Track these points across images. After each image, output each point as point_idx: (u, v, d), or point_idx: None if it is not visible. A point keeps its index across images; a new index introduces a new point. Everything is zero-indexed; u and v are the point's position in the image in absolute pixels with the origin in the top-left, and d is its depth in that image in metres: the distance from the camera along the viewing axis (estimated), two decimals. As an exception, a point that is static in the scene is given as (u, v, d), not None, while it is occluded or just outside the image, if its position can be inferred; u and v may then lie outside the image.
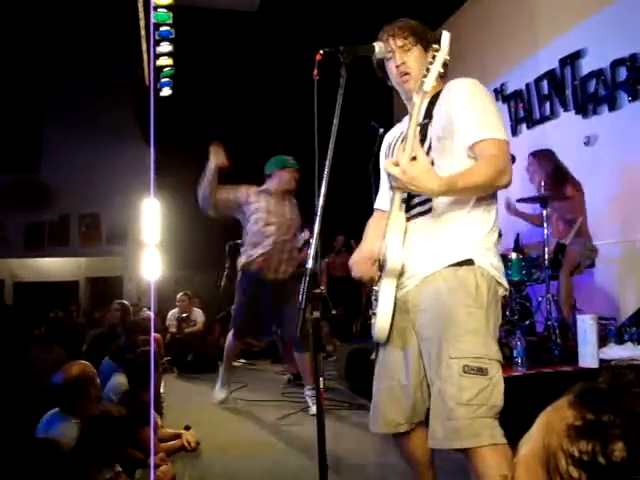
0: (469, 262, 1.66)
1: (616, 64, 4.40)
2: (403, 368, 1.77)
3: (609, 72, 4.48)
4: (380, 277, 1.74)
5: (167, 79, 6.31)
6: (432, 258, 1.69)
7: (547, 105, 5.25)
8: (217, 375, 4.47)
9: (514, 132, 5.64)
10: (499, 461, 1.50)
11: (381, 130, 3.50)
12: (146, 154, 3.45)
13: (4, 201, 9.52)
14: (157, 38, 5.69)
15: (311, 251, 1.53)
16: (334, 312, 6.16)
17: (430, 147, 1.71)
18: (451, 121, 1.68)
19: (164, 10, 5.43)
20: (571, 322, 3.78)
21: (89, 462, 1.99)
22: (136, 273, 8.90)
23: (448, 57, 1.59)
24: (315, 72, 1.64)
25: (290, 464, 2.94)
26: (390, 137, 2.00)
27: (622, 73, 4.37)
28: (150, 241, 3.10)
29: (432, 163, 1.63)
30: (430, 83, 1.59)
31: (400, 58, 1.81)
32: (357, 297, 6.44)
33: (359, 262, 1.87)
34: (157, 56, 5.92)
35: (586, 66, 4.74)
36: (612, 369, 0.57)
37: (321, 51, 1.64)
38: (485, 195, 1.70)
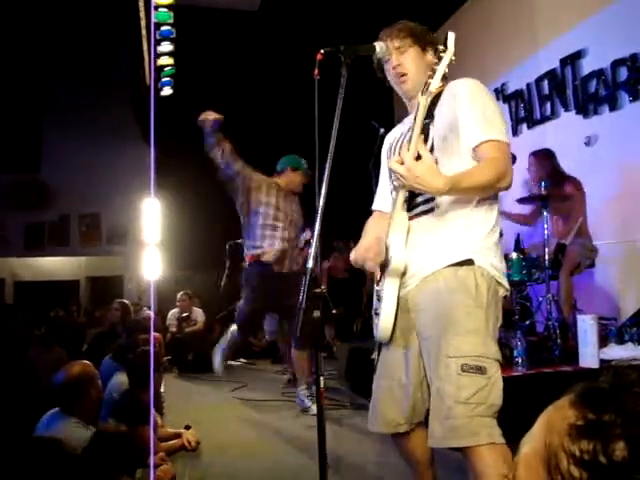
0: (469, 262, 1.66)
1: (617, 64, 4.40)
2: (403, 367, 1.77)
3: (610, 72, 4.48)
4: (383, 277, 1.75)
5: (168, 79, 6.32)
6: (433, 258, 1.70)
7: (548, 105, 5.25)
8: (219, 375, 4.46)
9: (515, 132, 5.64)
10: (497, 460, 1.50)
11: (381, 130, 3.50)
12: (146, 154, 3.45)
13: (4, 201, 9.52)
14: (158, 37, 5.70)
15: (311, 251, 1.53)
16: (334, 312, 6.16)
17: (432, 146, 1.71)
18: (455, 122, 1.69)
19: (165, 9, 5.44)
20: (571, 322, 3.77)
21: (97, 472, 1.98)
22: (136, 273, 8.89)
23: (454, 57, 1.59)
24: (316, 72, 1.64)
25: (290, 464, 2.94)
26: (391, 138, 2.01)
27: (623, 73, 4.37)
28: (150, 241, 3.10)
29: (436, 162, 1.64)
30: (436, 84, 1.60)
31: (396, 59, 1.82)
32: (357, 297, 6.44)
33: (359, 254, 1.87)
34: (158, 56, 5.93)
35: (587, 66, 4.74)
36: (613, 369, 0.57)
37: (322, 51, 1.64)
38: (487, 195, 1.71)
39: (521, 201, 4.16)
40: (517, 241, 4.20)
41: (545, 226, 3.92)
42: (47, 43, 8.42)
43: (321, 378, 1.51)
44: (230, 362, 6.46)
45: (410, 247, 1.70)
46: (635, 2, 4.24)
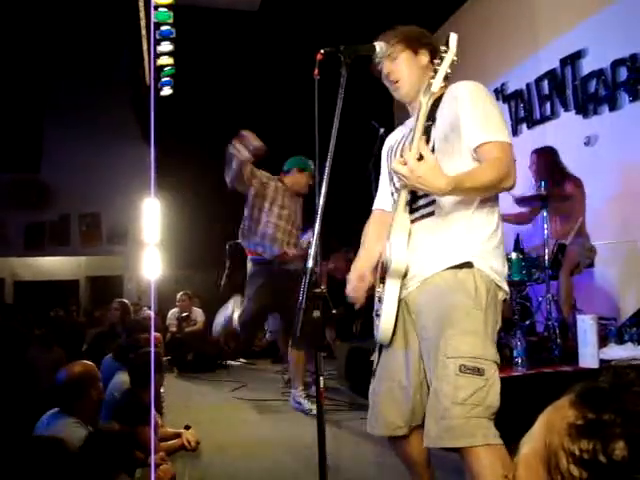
0: (469, 265, 1.66)
1: (616, 64, 4.40)
2: (404, 369, 1.77)
3: (609, 72, 4.48)
4: (384, 278, 1.75)
5: (168, 78, 6.31)
6: (433, 260, 1.70)
7: (547, 105, 5.25)
8: (219, 375, 4.45)
9: (514, 132, 5.63)
10: (493, 461, 1.50)
11: (381, 130, 3.50)
12: (146, 154, 3.45)
13: (4, 201, 9.51)
14: (158, 37, 5.69)
15: (311, 250, 1.53)
16: (334, 312, 6.16)
17: (434, 148, 1.71)
18: (457, 122, 1.69)
19: (165, 9, 5.43)
20: (571, 322, 3.77)
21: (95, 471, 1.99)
22: (136, 272, 8.90)
23: (456, 58, 1.59)
24: (316, 72, 1.64)
25: (290, 464, 2.94)
26: (392, 140, 2.01)
27: (622, 73, 4.37)
28: (150, 240, 3.10)
29: None
30: (438, 84, 1.59)
31: (387, 67, 1.83)
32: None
33: (355, 286, 1.87)
34: (158, 55, 5.92)
35: (586, 66, 4.74)
36: (613, 368, 0.57)
37: (322, 51, 1.64)
38: (489, 196, 1.72)
39: (520, 202, 4.16)
40: (517, 241, 4.20)
41: (545, 226, 3.92)
42: (47, 43, 8.41)
43: (321, 378, 1.51)
44: (230, 362, 6.48)
45: (411, 249, 1.70)
46: (635, 2, 4.24)
